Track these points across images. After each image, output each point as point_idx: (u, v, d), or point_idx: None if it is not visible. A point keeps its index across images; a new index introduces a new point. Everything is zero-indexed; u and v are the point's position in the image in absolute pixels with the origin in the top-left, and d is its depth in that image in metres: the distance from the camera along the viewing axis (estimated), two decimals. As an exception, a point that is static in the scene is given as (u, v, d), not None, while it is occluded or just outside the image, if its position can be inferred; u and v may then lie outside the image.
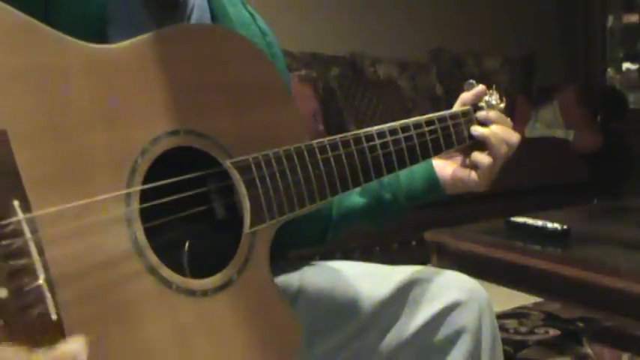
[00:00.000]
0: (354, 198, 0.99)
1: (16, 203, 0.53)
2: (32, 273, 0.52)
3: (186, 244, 0.71)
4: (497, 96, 1.01)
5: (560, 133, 3.66)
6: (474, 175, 0.94)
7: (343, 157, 0.79)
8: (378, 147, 0.83)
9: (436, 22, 4.23)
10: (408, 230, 2.82)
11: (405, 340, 0.89)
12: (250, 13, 0.95)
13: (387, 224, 1.03)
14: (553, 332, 2.28)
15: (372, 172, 0.82)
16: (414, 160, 0.88)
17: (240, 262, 0.69)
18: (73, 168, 0.58)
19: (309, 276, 0.95)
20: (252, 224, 0.69)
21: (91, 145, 0.59)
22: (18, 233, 0.52)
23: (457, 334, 0.88)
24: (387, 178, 0.88)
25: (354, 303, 0.90)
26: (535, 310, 2.48)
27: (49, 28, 0.57)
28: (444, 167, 0.97)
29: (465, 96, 0.98)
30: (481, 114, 0.97)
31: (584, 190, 3.47)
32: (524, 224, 1.82)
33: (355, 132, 0.81)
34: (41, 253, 0.53)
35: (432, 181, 0.97)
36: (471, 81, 1.01)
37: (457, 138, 0.94)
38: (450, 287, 0.90)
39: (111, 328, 0.57)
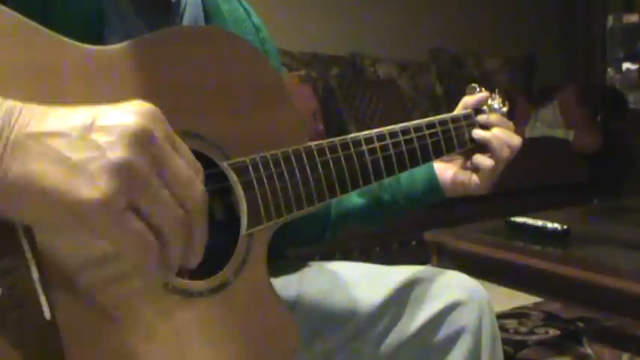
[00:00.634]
0: (353, 198, 0.99)
1: None
2: (26, 272, 0.52)
3: None
4: (500, 100, 1.01)
5: (560, 133, 3.66)
6: (474, 178, 0.95)
7: (342, 159, 0.78)
8: (378, 150, 0.83)
9: (436, 22, 4.23)
10: (408, 230, 2.82)
11: (405, 340, 0.89)
12: (245, 9, 0.95)
13: (385, 225, 1.03)
14: (553, 332, 2.28)
15: (371, 174, 0.82)
16: (414, 163, 0.88)
17: (237, 264, 0.69)
18: None
19: (308, 277, 0.95)
20: (250, 226, 0.69)
21: None
22: (11, 231, 0.52)
23: (457, 334, 0.87)
24: (387, 180, 0.88)
25: (354, 304, 0.90)
26: (535, 310, 2.48)
27: (44, 29, 0.57)
28: (445, 170, 0.97)
29: (468, 100, 0.98)
30: (482, 117, 0.97)
31: (584, 190, 3.47)
32: (524, 224, 1.82)
33: (354, 134, 0.81)
34: (35, 251, 0.53)
35: (433, 183, 0.97)
36: (474, 84, 1.01)
37: (458, 141, 0.94)
38: (450, 287, 0.90)
39: (106, 328, 0.57)
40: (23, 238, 0.52)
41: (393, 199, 0.98)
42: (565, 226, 1.74)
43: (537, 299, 2.44)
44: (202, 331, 0.64)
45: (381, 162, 0.83)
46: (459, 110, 0.98)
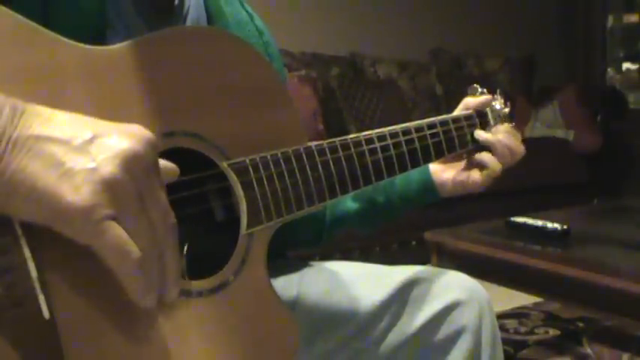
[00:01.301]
0: (347, 202, 0.99)
1: None
2: (24, 271, 0.52)
3: (183, 245, 0.70)
4: (502, 101, 1.01)
5: (560, 133, 3.65)
6: (473, 177, 0.95)
7: (342, 160, 0.78)
8: (378, 150, 0.83)
9: (436, 23, 4.23)
10: (408, 230, 2.82)
11: (405, 340, 0.89)
12: (248, 12, 0.95)
13: (380, 226, 1.04)
14: (553, 332, 2.28)
15: (372, 175, 0.82)
16: (415, 164, 0.88)
17: (237, 264, 0.68)
18: None
19: (308, 277, 0.95)
20: (249, 226, 0.69)
21: None
22: (10, 231, 0.52)
23: (457, 334, 0.87)
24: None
25: (353, 303, 0.90)
26: (535, 310, 2.48)
27: (44, 29, 0.57)
28: (442, 170, 0.98)
29: (469, 102, 0.99)
30: (491, 132, 0.97)
31: (584, 190, 3.47)
32: (524, 224, 1.82)
33: (355, 135, 0.81)
34: (34, 251, 0.53)
35: (428, 183, 0.97)
36: (475, 85, 1.01)
37: (459, 142, 0.94)
38: (450, 287, 0.90)
39: (105, 328, 0.57)
40: (21, 237, 0.52)
41: (387, 200, 0.98)
42: (565, 226, 1.74)
43: (537, 299, 2.44)
44: (202, 331, 0.64)
45: (382, 162, 0.83)
46: (459, 110, 0.98)
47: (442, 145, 0.91)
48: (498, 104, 1.00)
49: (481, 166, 0.95)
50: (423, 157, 0.88)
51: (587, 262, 1.57)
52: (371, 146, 0.82)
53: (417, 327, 0.89)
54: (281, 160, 0.72)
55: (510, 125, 1.00)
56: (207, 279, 0.66)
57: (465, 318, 0.88)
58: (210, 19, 0.85)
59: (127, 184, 0.52)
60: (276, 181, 0.71)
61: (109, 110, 0.59)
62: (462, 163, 0.98)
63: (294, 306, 0.92)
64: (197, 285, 0.65)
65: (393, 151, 0.84)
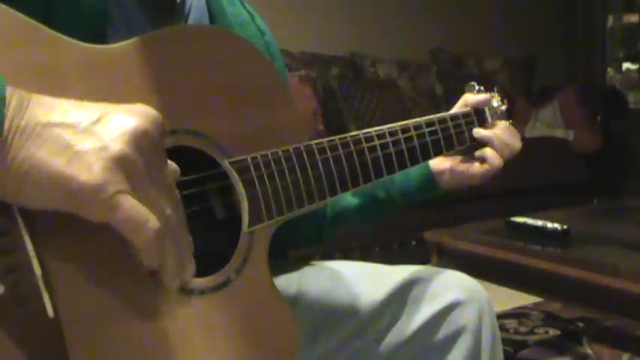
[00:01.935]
0: (348, 198, 0.99)
1: None
2: (29, 270, 0.52)
3: None
4: (499, 98, 1.02)
5: (560, 133, 3.66)
6: (472, 169, 0.96)
7: (342, 158, 0.79)
8: (378, 148, 0.83)
9: (436, 22, 4.23)
10: (408, 230, 2.82)
11: (405, 340, 0.89)
12: (249, 12, 0.95)
13: (381, 222, 1.04)
14: (553, 332, 2.28)
15: (371, 172, 0.82)
16: (414, 161, 0.88)
17: (238, 262, 0.69)
18: None
19: (308, 276, 0.95)
20: (251, 224, 0.69)
21: None
22: (14, 229, 0.52)
23: (457, 334, 0.88)
24: None
25: (353, 303, 0.90)
26: (535, 310, 2.48)
27: (45, 28, 0.57)
28: (442, 162, 0.98)
29: (468, 99, 0.99)
30: (488, 128, 0.98)
31: (584, 190, 3.47)
32: (524, 224, 1.82)
33: (354, 133, 0.81)
34: (38, 249, 0.53)
35: (427, 177, 0.98)
36: (473, 83, 1.02)
37: (458, 139, 0.95)
38: (450, 287, 0.90)
39: (108, 326, 0.57)
40: (26, 235, 0.52)
41: (387, 195, 0.99)
42: (565, 226, 1.74)
43: (537, 299, 2.44)
44: (204, 329, 0.64)
45: (382, 160, 0.83)
46: (459, 106, 0.99)
47: (441, 142, 0.92)
48: (496, 102, 1.01)
49: (481, 160, 0.96)
50: (422, 155, 0.89)
51: (587, 262, 1.57)
52: (370, 144, 0.82)
53: (417, 326, 0.89)
54: (282, 159, 0.72)
55: (508, 122, 1.01)
56: (210, 277, 0.66)
57: (464, 318, 0.88)
58: (212, 20, 0.86)
59: (137, 160, 0.53)
60: (278, 179, 0.71)
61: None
62: (461, 157, 0.98)
63: (295, 304, 0.92)
64: (199, 283, 0.65)
65: (392, 149, 0.85)
